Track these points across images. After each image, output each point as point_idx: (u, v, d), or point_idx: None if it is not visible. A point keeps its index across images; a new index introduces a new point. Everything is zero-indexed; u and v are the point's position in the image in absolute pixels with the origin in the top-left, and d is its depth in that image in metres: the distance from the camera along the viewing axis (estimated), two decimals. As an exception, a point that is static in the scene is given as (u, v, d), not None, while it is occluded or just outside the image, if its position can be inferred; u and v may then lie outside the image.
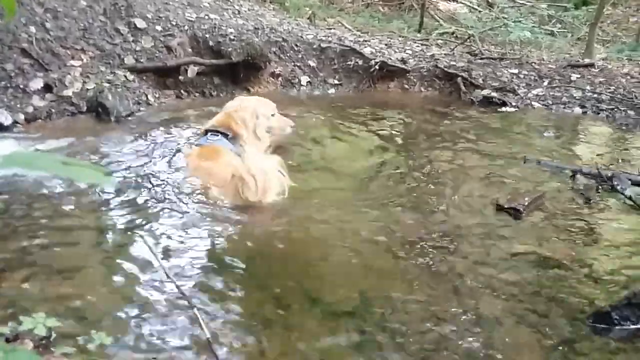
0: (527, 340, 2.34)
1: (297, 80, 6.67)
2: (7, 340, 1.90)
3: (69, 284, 2.49)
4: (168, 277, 2.41)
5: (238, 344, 2.16)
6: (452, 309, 2.49)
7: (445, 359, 2.19)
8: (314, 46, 6.96)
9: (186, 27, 6.24)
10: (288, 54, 6.78)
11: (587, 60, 7.49)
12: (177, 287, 2.33)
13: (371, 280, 2.72)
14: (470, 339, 2.31)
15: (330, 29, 8.45)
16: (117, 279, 2.56)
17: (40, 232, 2.94)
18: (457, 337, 2.31)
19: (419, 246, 3.04)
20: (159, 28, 6.08)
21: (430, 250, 3.00)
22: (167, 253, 2.80)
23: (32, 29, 5.26)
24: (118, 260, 2.71)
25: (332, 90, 6.71)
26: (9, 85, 4.87)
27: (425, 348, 2.24)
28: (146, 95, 5.54)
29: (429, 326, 2.37)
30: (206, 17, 6.58)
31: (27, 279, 2.49)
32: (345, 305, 2.48)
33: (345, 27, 8.94)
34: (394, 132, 5.15)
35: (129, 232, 2.99)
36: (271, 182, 3.35)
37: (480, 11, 10.26)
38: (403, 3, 11.42)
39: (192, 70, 5.97)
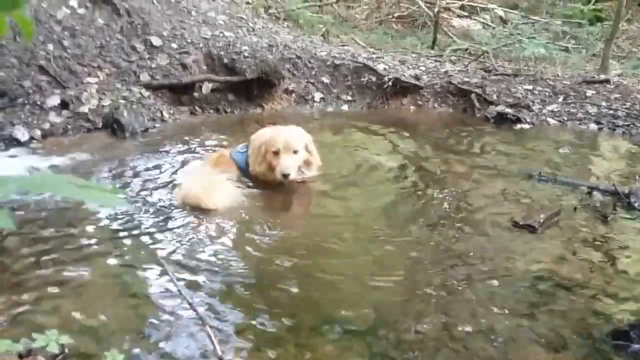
0: (543, 359, 2.30)
1: (310, 96, 6.70)
2: (21, 357, 1.91)
3: (82, 301, 2.49)
4: (181, 294, 2.41)
5: (251, 357, 2.15)
6: (467, 328, 2.46)
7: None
8: (328, 63, 6.99)
9: (201, 45, 6.32)
10: (302, 71, 6.82)
11: (602, 77, 7.44)
12: (190, 304, 2.32)
13: (385, 298, 2.69)
14: (485, 358, 2.27)
15: (344, 45, 8.50)
16: (130, 296, 2.56)
17: (53, 248, 2.96)
18: (472, 356, 2.28)
19: (433, 263, 3.01)
20: (174, 45, 6.16)
21: (445, 267, 2.97)
22: (179, 270, 2.79)
23: (50, 46, 5.35)
24: (131, 278, 2.71)
25: (345, 107, 6.73)
26: (26, 102, 4.95)
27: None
28: (161, 112, 5.60)
29: (443, 345, 2.34)
30: (221, 34, 6.65)
31: (40, 296, 2.50)
32: (359, 325, 2.46)
33: (359, 44, 8.99)
34: (407, 149, 5.13)
35: (142, 249, 3.00)
36: (202, 191, 3.49)
37: (494, 27, 10.25)
38: (416, 20, 11.45)
39: (206, 87, 6.03)
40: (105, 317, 2.36)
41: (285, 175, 3.73)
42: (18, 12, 0.83)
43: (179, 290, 2.42)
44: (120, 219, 3.34)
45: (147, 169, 4.18)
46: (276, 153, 3.78)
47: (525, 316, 2.57)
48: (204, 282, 2.71)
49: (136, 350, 2.15)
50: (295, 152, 3.80)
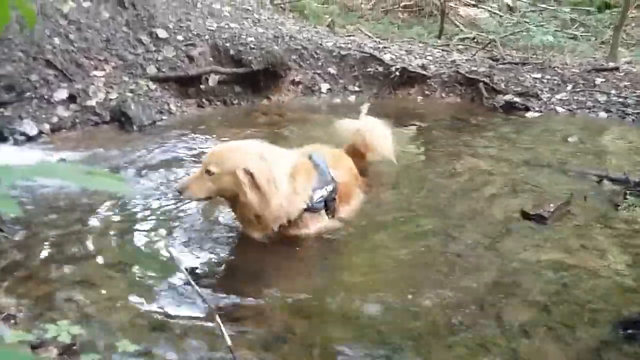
0: (554, 349, 2.29)
1: (317, 87, 6.67)
2: (33, 348, 1.92)
3: (92, 292, 2.50)
4: (190, 284, 2.41)
5: (259, 352, 2.15)
6: (477, 318, 2.45)
7: (470, 369, 2.15)
8: (334, 53, 6.96)
9: (207, 37, 6.30)
10: (308, 62, 6.79)
11: (611, 64, 7.36)
12: (199, 294, 2.32)
13: (393, 287, 2.68)
14: (496, 348, 2.26)
15: (350, 36, 8.46)
16: (140, 286, 2.57)
17: (63, 240, 2.97)
18: (482, 347, 2.27)
19: (442, 254, 3.00)
20: (180, 38, 6.14)
21: (455, 258, 2.96)
22: (189, 262, 2.80)
23: (57, 40, 5.35)
24: (140, 268, 2.72)
25: (352, 97, 6.70)
26: (34, 95, 4.95)
27: (449, 358, 2.20)
28: (168, 105, 5.60)
29: (453, 334, 2.33)
30: (226, 26, 6.63)
31: (51, 287, 2.52)
32: (366, 314, 2.46)
33: (365, 34, 8.94)
34: (416, 138, 5.11)
35: (151, 240, 3.00)
36: None
37: (501, 16, 10.17)
38: (423, 9, 11.38)
39: (213, 79, 6.01)
40: (116, 308, 2.37)
41: (177, 191, 2.90)
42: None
43: (189, 281, 2.42)
44: (130, 212, 3.35)
45: (156, 162, 4.19)
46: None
47: (536, 306, 2.55)
48: (214, 272, 2.71)
49: (146, 341, 2.16)
50: (208, 172, 2.81)
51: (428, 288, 2.68)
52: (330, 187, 3.11)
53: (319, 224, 3.11)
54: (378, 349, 2.22)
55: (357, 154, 3.91)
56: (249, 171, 2.76)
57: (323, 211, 3.13)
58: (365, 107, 4.11)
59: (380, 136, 3.98)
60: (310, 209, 3.02)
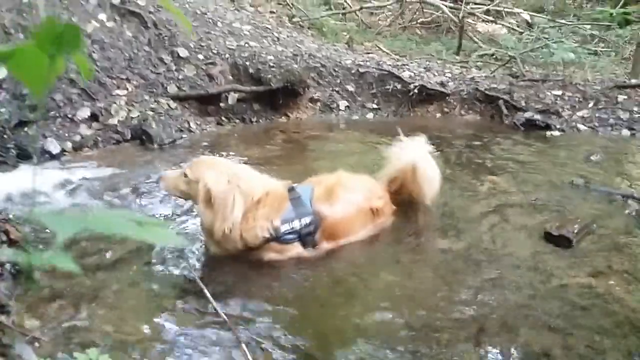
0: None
1: (335, 105, 6.69)
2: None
3: (117, 314, 2.51)
4: (217, 312, 2.39)
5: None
6: (501, 343, 2.41)
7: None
8: (352, 71, 6.99)
9: (227, 55, 6.36)
10: (326, 79, 6.82)
11: (634, 81, 7.28)
12: (227, 321, 2.31)
13: (416, 311, 2.65)
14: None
15: (368, 53, 8.48)
16: (167, 313, 2.56)
17: (86, 261, 2.98)
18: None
19: (464, 276, 2.97)
20: (200, 57, 6.21)
21: (477, 281, 2.92)
22: (212, 285, 2.79)
23: (80, 60, 5.43)
24: (167, 294, 2.72)
25: (370, 115, 6.70)
26: (57, 114, 5.02)
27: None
28: (188, 123, 5.65)
29: (473, 354, 2.30)
30: (246, 45, 6.70)
31: (76, 309, 2.52)
32: (389, 338, 2.43)
33: (383, 51, 8.97)
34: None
35: (177, 265, 3.00)
36: None
37: (520, 32, 10.13)
38: (440, 25, 11.38)
39: (232, 97, 6.06)
40: (144, 335, 2.36)
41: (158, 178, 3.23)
42: (77, 52, 0.84)
43: (215, 309, 2.41)
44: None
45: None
46: None
47: (561, 331, 2.50)
48: (238, 299, 2.70)
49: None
50: (185, 174, 3.00)
51: (448, 309, 2.65)
52: (306, 220, 3.05)
53: (288, 253, 3.05)
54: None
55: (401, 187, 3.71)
56: (208, 187, 2.86)
57: (297, 244, 3.06)
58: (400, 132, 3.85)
59: (432, 179, 3.68)
60: (276, 240, 2.98)
